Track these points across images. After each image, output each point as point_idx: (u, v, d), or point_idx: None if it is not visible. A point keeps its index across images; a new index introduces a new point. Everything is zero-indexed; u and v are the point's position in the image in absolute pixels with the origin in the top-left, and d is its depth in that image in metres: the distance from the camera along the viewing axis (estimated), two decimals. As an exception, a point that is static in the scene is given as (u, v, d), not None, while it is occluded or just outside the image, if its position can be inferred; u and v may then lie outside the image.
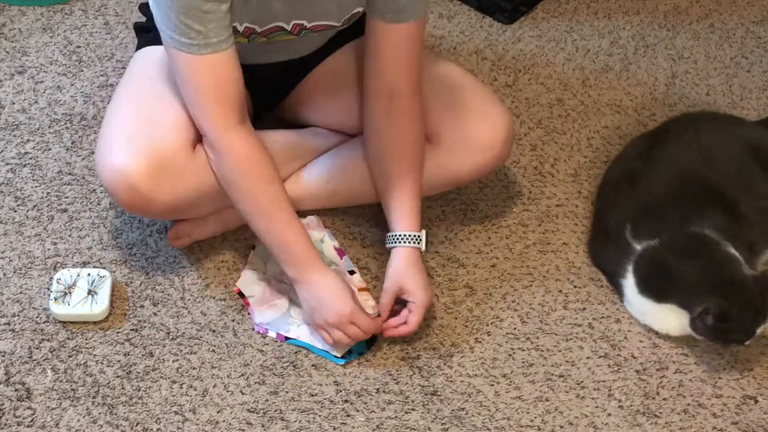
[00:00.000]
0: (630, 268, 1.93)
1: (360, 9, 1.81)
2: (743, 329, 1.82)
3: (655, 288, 1.90)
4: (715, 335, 1.83)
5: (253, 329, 1.87)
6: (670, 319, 1.89)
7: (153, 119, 1.78)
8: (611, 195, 2.07)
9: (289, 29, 1.79)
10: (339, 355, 1.83)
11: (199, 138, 1.82)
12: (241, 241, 1.99)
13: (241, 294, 1.91)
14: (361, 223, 2.04)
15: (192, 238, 1.96)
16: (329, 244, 1.98)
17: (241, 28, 1.74)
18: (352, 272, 1.96)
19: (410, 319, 1.82)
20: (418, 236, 1.84)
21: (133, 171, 1.73)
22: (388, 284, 1.83)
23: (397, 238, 1.84)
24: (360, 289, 1.92)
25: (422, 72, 1.87)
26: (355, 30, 1.95)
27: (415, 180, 1.86)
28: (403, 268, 1.83)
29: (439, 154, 1.90)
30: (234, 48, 1.72)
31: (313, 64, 2.00)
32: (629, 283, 1.93)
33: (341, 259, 1.97)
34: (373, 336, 1.84)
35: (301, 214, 1.96)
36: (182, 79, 1.74)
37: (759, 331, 1.83)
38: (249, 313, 1.89)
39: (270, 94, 2.03)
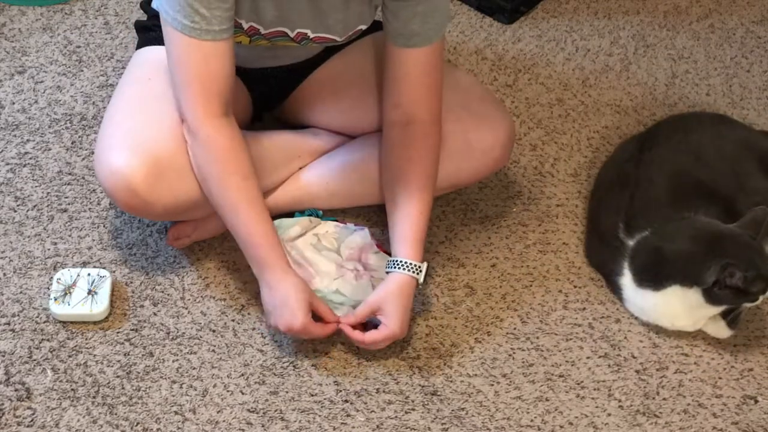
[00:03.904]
0: (626, 264, 1.93)
1: (363, 26, 1.81)
2: (762, 276, 1.80)
3: (652, 274, 1.88)
4: (742, 292, 1.80)
5: (254, 329, 1.87)
6: (674, 305, 1.87)
7: (152, 121, 1.78)
8: (603, 198, 2.07)
9: (292, 36, 1.79)
10: None
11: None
12: (241, 241, 2.00)
13: None
14: (361, 223, 2.04)
15: (192, 238, 1.96)
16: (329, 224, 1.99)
17: (246, 26, 1.74)
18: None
19: (372, 334, 1.77)
20: (418, 266, 1.79)
21: (131, 173, 1.72)
22: (371, 299, 1.79)
23: (396, 264, 1.79)
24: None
25: None
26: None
27: (422, 209, 1.82)
28: (391, 292, 1.78)
29: (439, 157, 1.89)
30: (231, 41, 1.71)
31: (315, 66, 2.00)
32: (627, 279, 1.92)
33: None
34: None
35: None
36: (174, 60, 1.72)
37: None
38: (249, 313, 1.89)
39: (271, 95, 2.04)
